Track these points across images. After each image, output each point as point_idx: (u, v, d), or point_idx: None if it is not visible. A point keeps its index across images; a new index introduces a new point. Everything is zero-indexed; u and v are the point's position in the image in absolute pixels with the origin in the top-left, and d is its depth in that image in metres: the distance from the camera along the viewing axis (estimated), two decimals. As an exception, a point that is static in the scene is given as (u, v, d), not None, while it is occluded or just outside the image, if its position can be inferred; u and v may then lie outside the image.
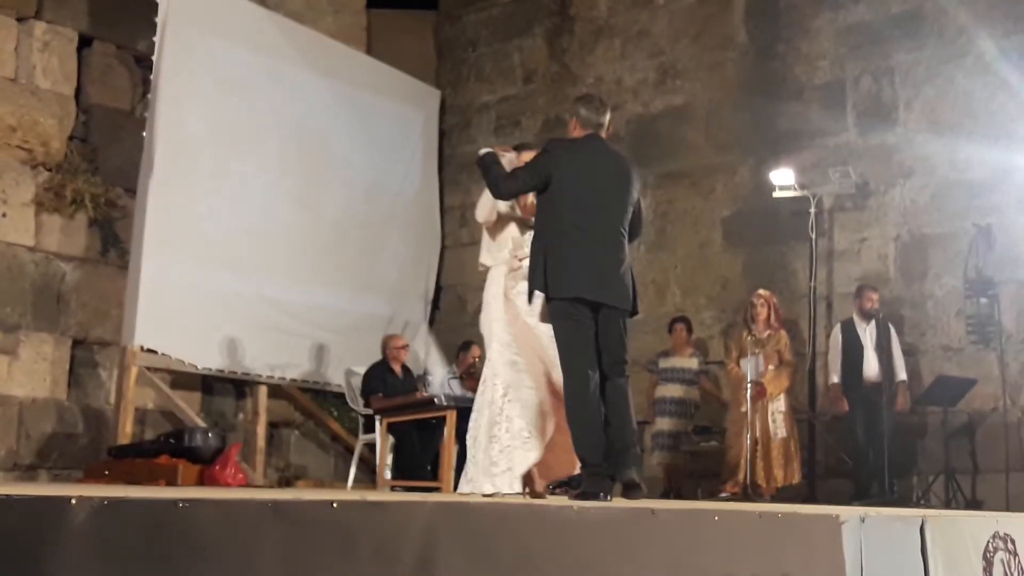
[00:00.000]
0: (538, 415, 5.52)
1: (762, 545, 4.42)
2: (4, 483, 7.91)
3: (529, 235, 5.58)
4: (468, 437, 5.73)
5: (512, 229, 5.83)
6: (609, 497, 4.89)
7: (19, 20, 8.81)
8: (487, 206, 5.81)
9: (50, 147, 8.87)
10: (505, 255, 5.73)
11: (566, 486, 5.36)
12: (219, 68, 9.66)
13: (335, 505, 3.00)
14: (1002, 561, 5.50)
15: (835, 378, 8.71)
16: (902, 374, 8.64)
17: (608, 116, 5.52)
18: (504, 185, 5.32)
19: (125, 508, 2.56)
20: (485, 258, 5.88)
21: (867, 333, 8.64)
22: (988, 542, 5.57)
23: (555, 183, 5.15)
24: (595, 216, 5.15)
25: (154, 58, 9.07)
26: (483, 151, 5.53)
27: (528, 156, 5.51)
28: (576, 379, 5.00)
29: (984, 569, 5.39)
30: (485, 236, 5.94)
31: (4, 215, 8.52)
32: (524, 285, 5.32)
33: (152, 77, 9.08)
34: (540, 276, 5.08)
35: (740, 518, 4.53)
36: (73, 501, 2.44)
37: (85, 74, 9.27)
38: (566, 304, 5.05)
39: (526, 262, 5.39)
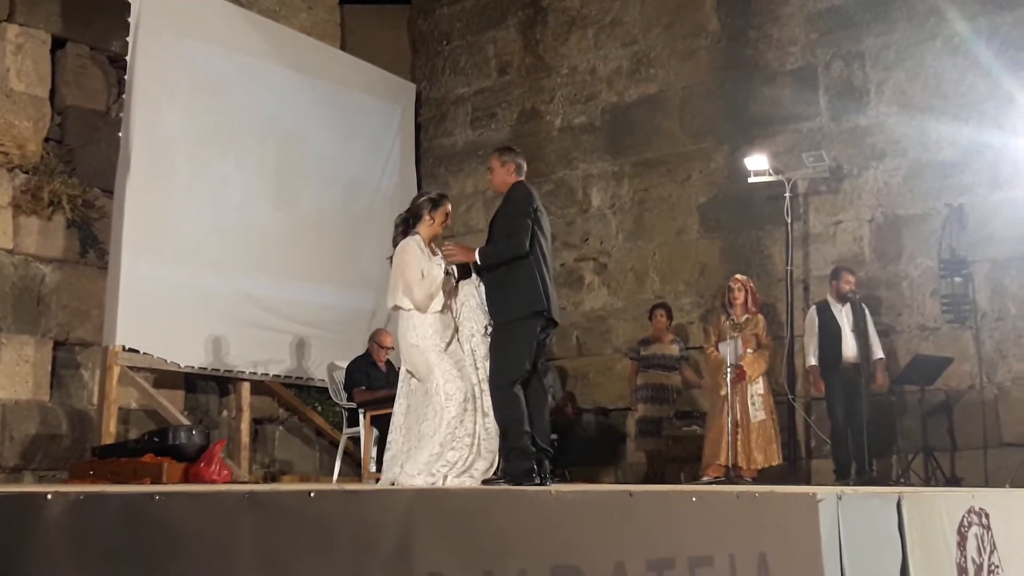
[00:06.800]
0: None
1: (739, 525, 4.48)
2: (-12, 486, 7.93)
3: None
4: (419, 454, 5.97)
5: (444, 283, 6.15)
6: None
7: (-9, 23, 8.81)
8: (426, 291, 6.03)
9: (26, 149, 8.86)
10: (435, 304, 6.04)
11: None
12: (193, 67, 9.66)
13: (312, 495, 3.03)
14: (976, 536, 5.59)
15: (812, 360, 8.77)
16: (879, 352, 8.71)
17: None
18: (520, 243, 5.89)
19: (102, 503, 2.59)
20: (402, 301, 6.07)
21: (843, 314, 8.70)
22: (963, 517, 5.65)
23: (533, 219, 6.00)
24: (548, 247, 6.12)
25: (128, 58, 9.06)
26: (477, 257, 6.01)
27: (442, 212, 6.20)
28: (514, 386, 5.85)
29: (959, 544, 5.48)
30: (404, 282, 6.06)
31: (-19, 218, 8.53)
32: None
33: (127, 77, 9.07)
34: (539, 295, 5.87)
35: (718, 499, 4.60)
36: (49, 496, 2.47)
37: (59, 76, 9.26)
38: (541, 324, 5.92)
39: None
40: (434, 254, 6.16)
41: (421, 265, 6.00)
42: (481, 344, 6.06)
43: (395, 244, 6.22)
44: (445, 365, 5.93)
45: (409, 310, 6.02)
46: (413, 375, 6.09)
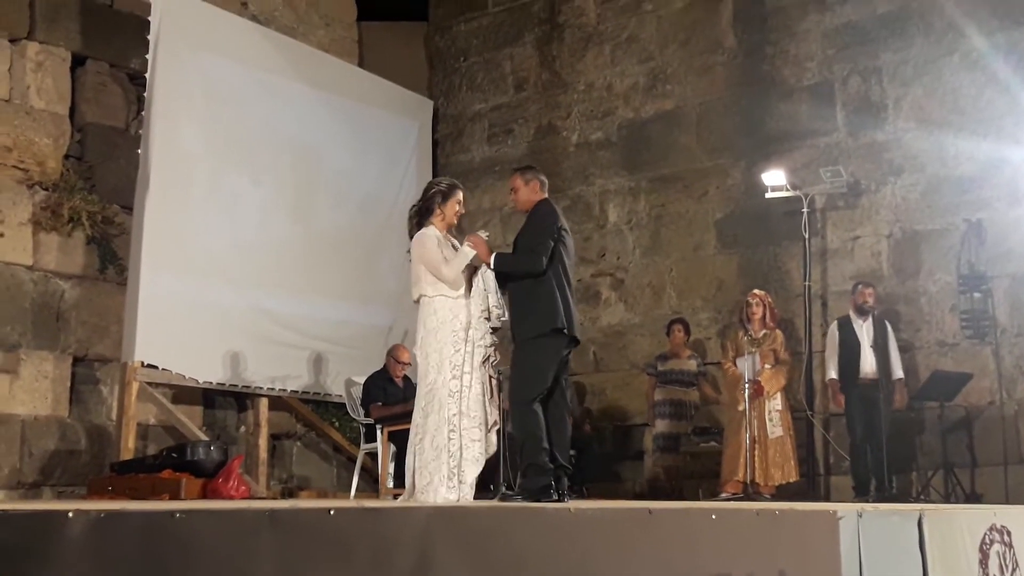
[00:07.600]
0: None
1: (759, 543, 4.47)
2: (7, 501, 7.94)
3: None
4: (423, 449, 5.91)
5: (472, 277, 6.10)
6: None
7: (12, 41, 8.85)
8: (457, 269, 5.95)
9: (46, 166, 8.91)
10: (461, 291, 5.98)
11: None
12: (212, 84, 9.71)
13: (332, 513, 3.03)
14: (998, 553, 5.55)
15: (832, 374, 8.76)
16: (899, 372, 8.69)
17: None
18: (538, 260, 5.91)
19: (122, 520, 2.60)
20: (426, 288, 5.98)
21: (864, 330, 8.69)
22: (985, 535, 5.62)
23: (556, 238, 6.00)
24: (571, 265, 6.17)
25: (147, 75, 9.10)
26: (492, 261, 5.96)
27: (453, 203, 6.07)
28: (533, 403, 5.87)
29: (980, 561, 5.45)
30: (427, 266, 5.99)
31: (2, 235, 8.55)
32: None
33: (146, 94, 9.12)
34: (559, 313, 5.87)
35: (737, 516, 4.58)
36: (70, 514, 2.47)
37: (79, 93, 9.31)
38: (563, 342, 5.95)
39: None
40: (455, 244, 6.10)
41: (442, 251, 5.96)
42: (476, 328, 5.97)
43: (411, 236, 6.16)
44: (457, 360, 5.88)
45: (432, 297, 5.98)
46: (424, 362, 6.03)
